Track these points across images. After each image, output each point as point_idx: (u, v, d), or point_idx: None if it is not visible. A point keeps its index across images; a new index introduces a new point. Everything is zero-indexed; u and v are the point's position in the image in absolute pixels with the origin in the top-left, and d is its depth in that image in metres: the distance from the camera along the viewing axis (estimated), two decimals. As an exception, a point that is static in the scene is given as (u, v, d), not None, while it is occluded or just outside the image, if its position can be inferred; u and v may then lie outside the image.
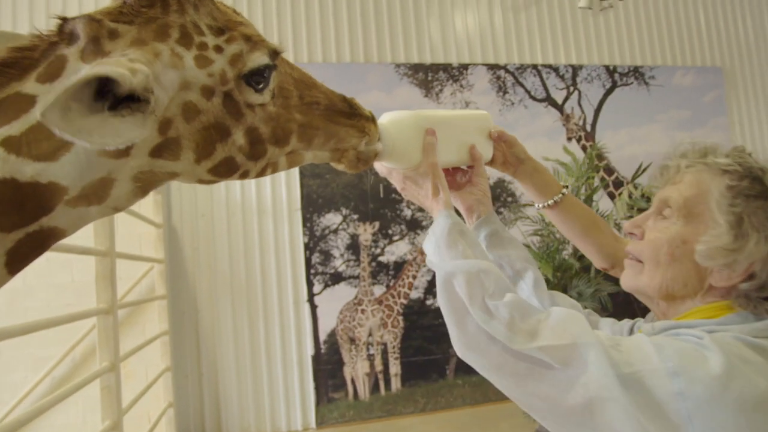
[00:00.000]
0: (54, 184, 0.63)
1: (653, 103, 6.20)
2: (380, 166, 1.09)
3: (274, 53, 0.77)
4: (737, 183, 0.85)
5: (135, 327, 4.50)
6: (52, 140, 0.62)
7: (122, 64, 0.58)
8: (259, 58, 0.75)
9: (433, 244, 0.97)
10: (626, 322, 1.10)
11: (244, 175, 0.80)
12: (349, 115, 0.92)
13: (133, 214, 3.47)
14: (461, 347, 0.88)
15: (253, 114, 0.76)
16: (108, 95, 0.59)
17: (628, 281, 0.97)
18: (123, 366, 3.01)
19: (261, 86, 0.76)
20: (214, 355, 4.87)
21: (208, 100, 0.71)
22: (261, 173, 0.83)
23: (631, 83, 6.17)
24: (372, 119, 0.98)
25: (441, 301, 0.91)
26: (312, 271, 5.15)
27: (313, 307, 5.11)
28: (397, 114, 1.06)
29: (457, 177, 1.18)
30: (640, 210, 4.66)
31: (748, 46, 6.79)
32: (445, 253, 0.93)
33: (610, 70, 6.13)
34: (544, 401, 0.80)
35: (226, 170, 0.76)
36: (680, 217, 0.89)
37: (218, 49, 0.72)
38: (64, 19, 0.65)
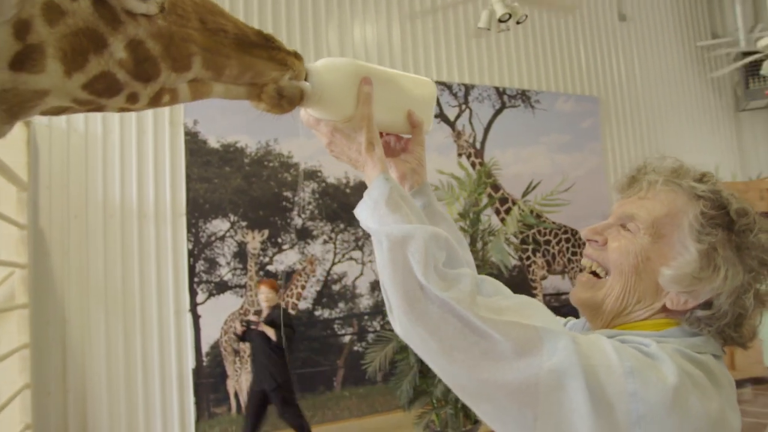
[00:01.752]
0: None
1: (538, 125, 6.56)
2: (306, 116, 0.99)
3: None
4: (710, 211, 0.85)
5: (-11, 339, 4.02)
6: None
7: None
8: None
9: (370, 207, 0.89)
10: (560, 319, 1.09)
11: (133, 99, 0.70)
12: (266, 48, 0.83)
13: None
14: (407, 321, 0.79)
15: (136, 24, 0.66)
16: None
17: (584, 294, 0.93)
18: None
19: None
20: (83, 370, 4.47)
21: (73, 0, 0.61)
22: (156, 100, 0.73)
23: (519, 105, 6.50)
24: (296, 54, 0.89)
25: (385, 269, 0.81)
26: (196, 279, 4.90)
27: (196, 318, 4.85)
28: (332, 59, 0.98)
29: (391, 142, 1.11)
30: (529, 226, 4.89)
31: (620, 79, 7.42)
32: (388, 217, 0.85)
33: (500, 92, 6.41)
34: (495, 386, 0.73)
35: (104, 88, 0.66)
36: (647, 234, 0.88)
37: None
38: None
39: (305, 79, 0.91)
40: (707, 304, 0.84)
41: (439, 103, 6.06)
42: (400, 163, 1.04)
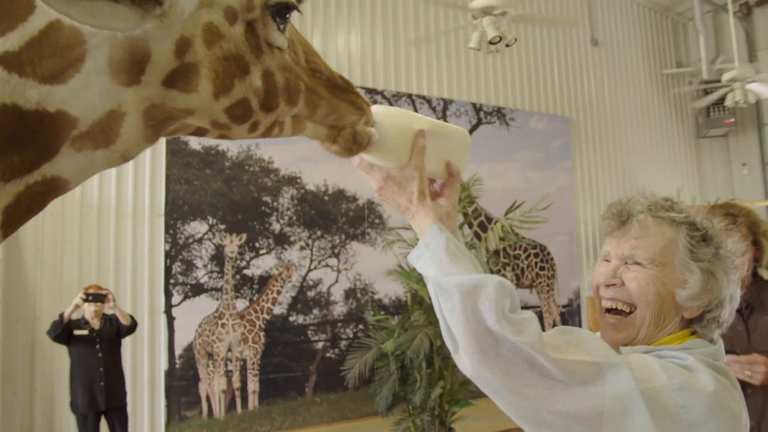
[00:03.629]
0: (63, 114, 0.53)
1: (512, 142, 6.75)
2: (360, 160, 1.02)
3: None
4: (693, 233, 1.02)
5: (-43, 335, 3.92)
6: (59, 57, 0.52)
7: None
8: None
9: (428, 256, 0.95)
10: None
11: (254, 128, 0.73)
12: (348, 92, 0.88)
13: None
14: (479, 364, 0.87)
15: (272, 55, 0.70)
16: None
17: (619, 335, 1.04)
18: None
19: (283, 26, 0.70)
20: (52, 368, 4.38)
21: (231, 26, 0.64)
22: (269, 131, 0.76)
23: (494, 122, 6.67)
24: (367, 103, 0.94)
25: (456, 317, 0.89)
26: (171, 281, 4.87)
27: (170, 319, 4.81)
28: (390, 108, 1.02)
29: (430, 186, 1.16)
30: (502, 239, 5.00)
31: (591, 101, 7.69)
32: (451, 267, 0.92)
33: (477, 108, 6.58)
34: (565, 416, 0.84)
35: (241, 113, 0.68)
36: (654, 266, 1.01)
37: None
38: None
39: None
40: (715, 306, 1.01)
41: (418, 116, 6.17)
42: (437, 207, 1.07)
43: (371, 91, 5.94)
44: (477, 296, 0.88)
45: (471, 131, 6.47)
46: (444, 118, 6.32)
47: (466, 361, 0.89)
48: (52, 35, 0.52)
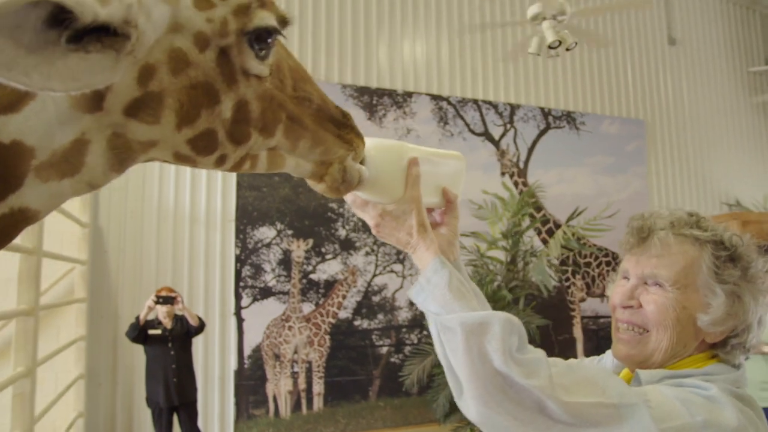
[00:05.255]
0: (18, 144, 0.51)
1: (582, 147, 6.57)
2: (353, 198, 0.98)
3: (283, 21, 0.67)
4: (719, 252, 0.95)
5: (48, 330, 4.24)
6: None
7: None
8: (267, 18, 0.64)
9: (429, 291, 0.91)
10: (593, 359, 1.18)
11: (221, 161, 0.68)
12: (340, 125, 0.83)
13: (58, 210, 3.31)
14: (485, 407, 0.82)
15: (248, 84, 0.65)
16: (70, 23, 0.44)
17: (631, 351, 0.99)
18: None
19: (263, 53, 0.65)
20: (132, 363, 4.67)
21: (200, 52, 0.60)
22: (239, 164, 0.71)
23: (564, 126, 6.52)
24: (361, 137, 0.89)
25: (459, 357, 0.84)
26: (241, 284, 5.07)
27: (240, 321, 5.01)
28: (380, 141, 0.97)
29: (429, 216, 1.10)
30: (570, 249, 4.90)
31: (668, 103, 7.35)
32: (454, 303, 0.88)
33: (545, 112, 6.45)
34: None
35: (204, 146, 0.64)
36: (675, 287, 0.95)
37: None
38: None
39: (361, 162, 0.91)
40: (741, 331, 0.95)
41: (484, 122, 6.13)
42: (438, 236, 1.02)
43: (437, 98, 5.96)
44: (483, 335, 0.83)
45: (539, 136, 6.36)
46: (511, 123, 6.25)
47: (471, 406, 0.83)
48: None
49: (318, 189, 0.87)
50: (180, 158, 0.65)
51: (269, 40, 0.65)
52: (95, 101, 0.54)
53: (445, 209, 1.07)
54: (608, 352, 1.16)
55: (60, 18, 0.42)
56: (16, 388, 2.58)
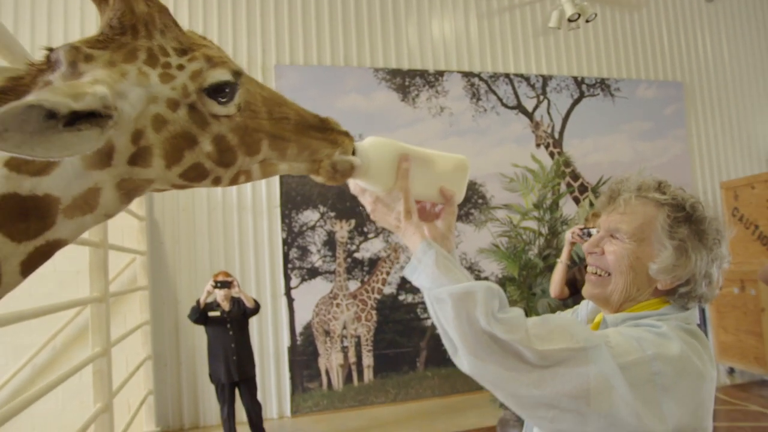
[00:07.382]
0: (48, 196, 0.73)
1: (617, 113, 6.54)
2: (354, 184, 1.13)
3: (237, 73, 0.85)
4: (673, 213, 1.12)
5: (116, 317, 4.62)
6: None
7: (72, 89, 0.65)
8: (219, 75, 0.82)
9: (421, 271, 1.04)
10: (569, 311, 1.39)
11: (217, 181, 0.87)
12: (321, 129, 0.98)
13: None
14: (477, 361, 0.96)
15: (219, 124, 0.83)
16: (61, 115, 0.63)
17: (594, 290, 1.18)
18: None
19: (224, 100, 0.83)
20: (193, 344, 5.02)
21: (173, 111, 0.79)
22: (234, 180, 0.89)
23: (598, 94, 6.50)
24: (346, 134, 1.03)
25: (451, 322, 0.97)
26: (289, 265, 5.34)
27: (290, 301, 5.29)
28: (378, 138, 1.12)
29: (427, 207, 1.23)
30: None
31: (707, 63, 7.19)
32: (443, 278, 1.01)
33: (578, 81, 6.44)
34: (557, 395, 0.95)
35: (195, 175, 0.83)
36: (632, 240, 1.14)
37: (180, 67, 0.80)
38: (51, 49, 0.74)
39: (354, 155, 1.07)
40: (687, 282, 1.11)
41: (516, 95, 6.18)
42: (433, 228, 1.14)
43: (468, 74, 6.04)
44: (469, 302, 0.96)
45: (573, 106, 6.36)
46: (544, 95, 6.28)
47: (465, 361, 0.97)
48: None
49: (318, 180, 1.02)
50: (177, 187, 0.85)
51: (227, 90, 0.84)
52: (106, 159, 0.75)
53: (444, 206, 1.19)
54: (582, 303, 1.36)
55: (54, 112, 0.62)
56: (95, 365, 2.90)
